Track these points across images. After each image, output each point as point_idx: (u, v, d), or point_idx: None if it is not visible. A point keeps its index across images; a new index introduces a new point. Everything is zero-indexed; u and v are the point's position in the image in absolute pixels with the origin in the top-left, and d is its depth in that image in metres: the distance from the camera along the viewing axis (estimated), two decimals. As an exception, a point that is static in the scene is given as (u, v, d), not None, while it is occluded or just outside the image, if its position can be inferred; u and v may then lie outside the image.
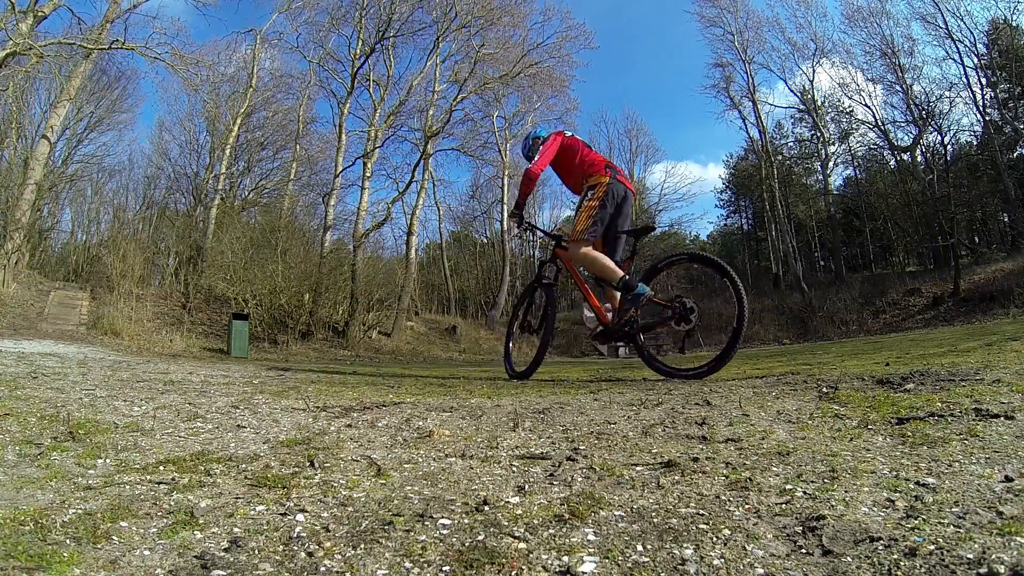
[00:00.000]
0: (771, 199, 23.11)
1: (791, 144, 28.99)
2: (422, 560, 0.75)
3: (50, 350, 6.04)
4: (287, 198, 21.15)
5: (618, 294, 3.04)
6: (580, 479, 1.11)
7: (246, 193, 23.55)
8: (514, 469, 1.21)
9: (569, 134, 3.32)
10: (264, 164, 24.45)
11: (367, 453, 1.36)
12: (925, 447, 1.20)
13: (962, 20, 19.36)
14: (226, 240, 15.07)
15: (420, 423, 1.78)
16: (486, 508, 0.94)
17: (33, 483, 1.08)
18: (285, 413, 1.96)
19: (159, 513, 0.93)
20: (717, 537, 0.79)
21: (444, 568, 0.72)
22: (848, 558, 0.71)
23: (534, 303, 3.74)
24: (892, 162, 24.42)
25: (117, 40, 13.13)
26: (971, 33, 19.39)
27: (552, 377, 4.13)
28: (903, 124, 21.61)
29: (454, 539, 0.82)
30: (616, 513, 0.90)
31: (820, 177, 26.66)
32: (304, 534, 0.84)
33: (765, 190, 23.47)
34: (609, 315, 3.08)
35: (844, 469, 1.06)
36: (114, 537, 0.82)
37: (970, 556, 0.68)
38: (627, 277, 2.93)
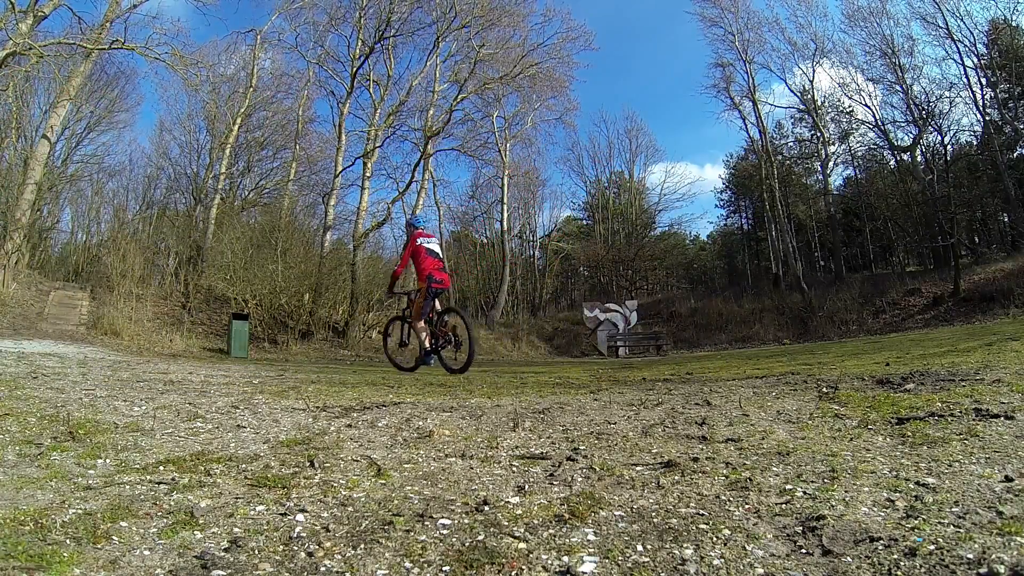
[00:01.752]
0: (771, 199, 23.09)
1: (791, 144, 28.94)
2: (422, 560, 0.75)
3: (50, 350, 6.03)
4: (287, 198, 21.10)
5: (424, 328, 4.39)
6: (580, 479, 1.11)
7: (246, 193, 23.51)
8: (514, 469, 1.21)
9: (419, 242, 4.57)
10: (264, 164, 24.41)
11: (367, 453, 1.36)
12: (925, 447, 1.20)
13: (962, 20, 19.33)
14: (226, 240, 15.05)
15: (420, 423, 1.78)
16: (486, 508, 0.94)
17: (33, 483, 1.08)
18: (285, 413, 1.96)
19: (159, 513, 0.93)
20: (717, 537, 0.79)
21: (444, 568, 0.72)
22: (848, 558, 0.71)
23: (404, 328, 4.93)
24: (892, 162, 24.39)
25: (117, 40, 13.11)
26: (971, 33, 19.37)
27: (552, 377, 4.13)
28: (903, 124, 21.59)
29: (454, 539, 0.82)
30: (616, 513, 0.90)
31: (820, 177, 26.62)
32: (304, 534, 0.84)
33: (765, 190, 23.44)
34: (428, 343, 4.37)
35: (844, 469, 1.06)
36: (114, 537, 0.82)
37: (970, 556, 0.68)
38: (427, 350, 4.34)
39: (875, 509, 0.86)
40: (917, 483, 0.96)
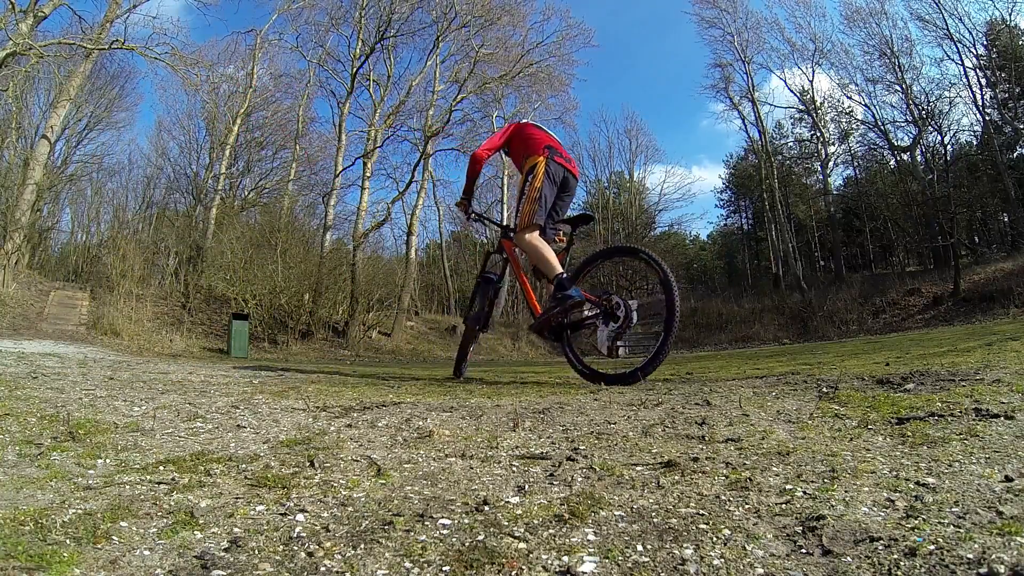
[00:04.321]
0: (771, 199, 23.12)
1: (791, 144, 29.00)
2: (422, 560, 0.75)
3: (50, 350, 6.04)
4: (287, 198, 21.13)
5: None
6: (580, 479, 1.11)
7: (246, 193, 23.55)
8: (514, 469, 1.21)
9: (526, 121, 3.26)
10: (264, 164, 24.46)
11: (367, 453, 1.36)
12: (925, 447, 1.20)
13: (961, 20, 19.37)
14: (226, 240, 15.08)
15: (420, 423, 1.78)
16: (486, 508, 0.94)
17: (33, 483, 1.08)
18: (285, 413, 1.95)
19: (159, 513, 0.93)
20: (717, 537, 0.79)
21: (444, 568, 0.72)
22: (848, 558, 0.71)
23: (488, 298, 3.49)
24: (892, 162, 24.42)
25: (117, 40, 13.13)
26: (970, 33, 19.41)
27: (552, 377, 4.13)
28: (903, 124, 21.64)
29: (454, 539, 0.82)
30: (616, 513, 0.90)
31: (820, 177, 26.69)
32: (304, 534, 0.84)
33: (765, 190, 23.49)
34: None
35: (844, 469, 1.06)
36: (114, 537, 0.82)
37: (970, 556, 0.68)
38: (563, 275, 2.82)
39: (875, 509, 0.86)
40: (917, 483, 0.96)
